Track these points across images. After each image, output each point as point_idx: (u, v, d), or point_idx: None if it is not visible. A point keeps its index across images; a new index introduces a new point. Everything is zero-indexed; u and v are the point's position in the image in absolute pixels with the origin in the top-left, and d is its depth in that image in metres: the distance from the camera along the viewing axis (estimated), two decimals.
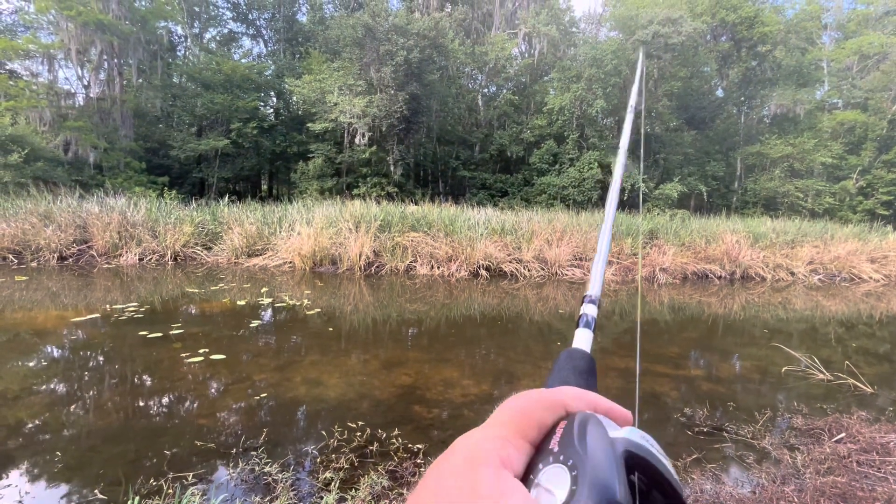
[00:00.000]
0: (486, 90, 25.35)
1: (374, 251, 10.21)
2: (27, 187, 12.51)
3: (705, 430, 3.39)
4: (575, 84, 20.57)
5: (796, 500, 2.40)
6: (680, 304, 8.64)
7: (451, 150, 22.94)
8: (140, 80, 20.33)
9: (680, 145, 22.14)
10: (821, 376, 4.46)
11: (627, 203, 19.30)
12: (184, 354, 4.47)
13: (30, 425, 3.13)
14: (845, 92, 25.48)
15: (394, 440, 3.04)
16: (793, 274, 12.08)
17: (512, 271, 10.31)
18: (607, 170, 20.04)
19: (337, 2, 26.78)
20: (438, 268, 10.11)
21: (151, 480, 2.55)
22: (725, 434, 3.32)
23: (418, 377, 4.21)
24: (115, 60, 18.37)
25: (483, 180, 22.56)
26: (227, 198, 13.31)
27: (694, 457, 2.97)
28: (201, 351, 4.56)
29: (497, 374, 4.47)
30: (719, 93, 26.12)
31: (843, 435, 3.17)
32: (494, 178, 22.77)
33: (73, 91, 18.94)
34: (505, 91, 24.93)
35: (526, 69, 24.79)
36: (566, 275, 10.58)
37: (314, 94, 19.34)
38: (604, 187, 20.36)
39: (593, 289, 0.40)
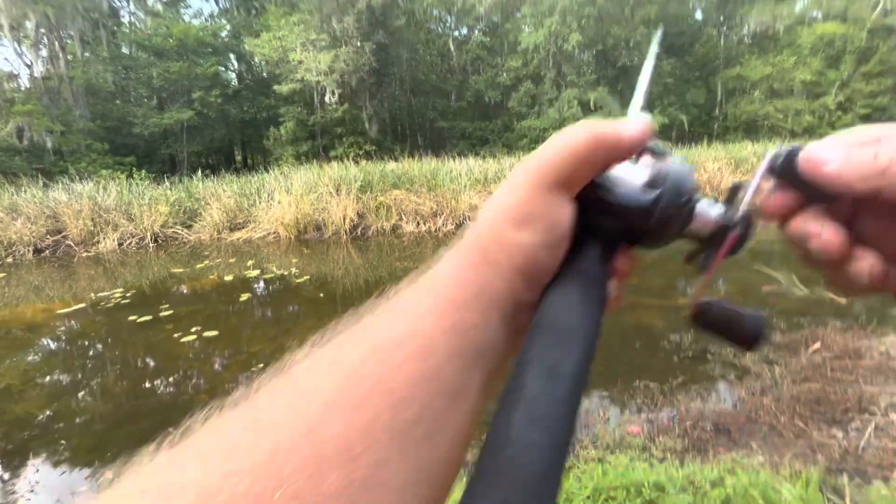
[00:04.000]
0: (456, 33, 24.15)
1: (357, 213, 10.08)
2: None
3: (691, 354, 3.56)
4: (548, 18, 19.65)
5: (774, 408, 2.57)
6: None
7: (426, 101, 22.19)
8: (86, 54, 18.94)
9: (659, 76, 21.60)
10: (799, 293, 4.65)
11: None
12: (177, 335, 4.48)
13: (40, 417, 3.17)
14: (824, 3, 24.73)
15: None
16: None
17: None
18: (587, 108, 19.64)
19: None
20: (424, 224, 10.07)
21: None
22: (709, 356, 3.50)
23: None
24: (55, 33, 16.99)
25: (462, 129, 22.03)
26: (200, 172, 12.84)
27: (680, 380, 3.14)
28: (193, 329, 4.57)
29: None
30: (698, 15, 25.22)
31: (818, 345, 3.36)
32: (473, 126, 22.23)
33: (14, 72, 17.64)
34: (476, 32, 23.79)
35: (496, 6, 23.50)
36: None
37: (276, 54, 18.27)
38: None
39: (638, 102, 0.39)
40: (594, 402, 3.00)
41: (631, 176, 0.27)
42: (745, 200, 0.28)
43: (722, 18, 24.44)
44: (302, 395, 0.20)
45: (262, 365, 3.77)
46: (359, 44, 17.16)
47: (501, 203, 0.26)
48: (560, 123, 19.64)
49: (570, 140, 0.26)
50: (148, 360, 4.08)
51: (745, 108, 22.40)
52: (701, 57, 24.25)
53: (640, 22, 20.51)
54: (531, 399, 0.19)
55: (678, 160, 0.28)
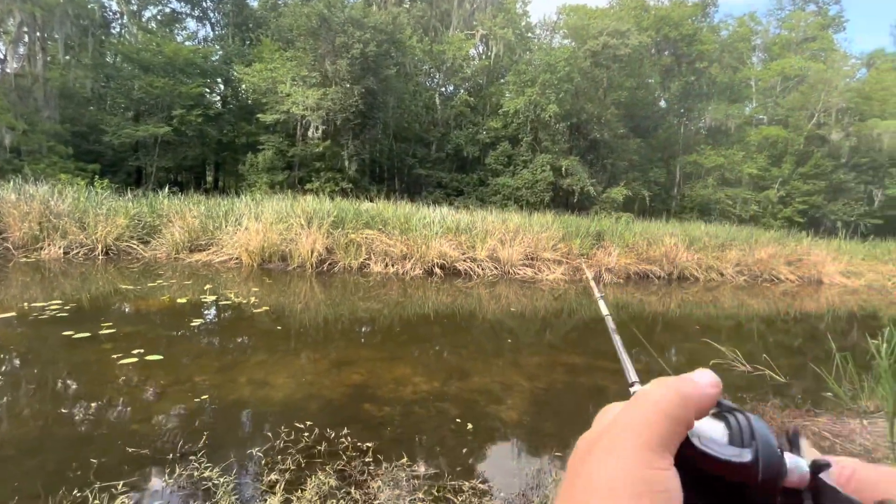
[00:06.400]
0: (443, 89, 25.43)
1: (326, 248, 9.97)
2: None
3: None
4: (529, 88, 21.10)
5: None
6: (623, 302, 9.13)
7: (407, 148, 22.83)
8: (67, 58, 18.60)
9: (626, 152, 23.34)
10: (742, 368, 4.89)
11: (577, 206, 20.10)
12: (115, 356, 4.17)
13: None
14: (769, 109, 27.96)
15: (343, 439, 3.01)
16: (722, 275, 13.10)
17: (466, 270, 10.44)
18: (559, 172, 20.73)
19: None
20: (393, 266, 10.05)
21: (75, 491, 2.36)
22: None
23: (370, 376, 4.18)
24: (38, 34, 16.69)
25: (439, 179, 22.64)
26: (167, 189, 12.47)
27: None
28: (135, 352, 4.27)
29: (449, 371, 4.52)
30: (662, 104, 27.80)
31: None
32: (450, 177, 22.92)
33: None
34: (462, 91, 25.15)
35: (482, 70, 25.13)
36: (518, 274, 10.86)
37: (265, 84, 18.59)
38: (555, 189, 21.06)
39: (630, 375, 0.45)
40: (545, 463, 2.97)
41: (714, 432, 0.27)
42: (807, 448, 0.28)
43: (682, 110, 27.04)
44: None
45: (204, 397, 3.53)
46: (348, 86, 17.75)
47: (612, 473, 0.24)
48: (533, 184, 20.56)
49: (660, 399, 0.26)
50: (76, 381, 3.74)
51: (700, 192, 24.32)
52: (663, 141, 26.47)
53: (611, 103, 22.37)
54: None
55: (753, 416, 0.28)
